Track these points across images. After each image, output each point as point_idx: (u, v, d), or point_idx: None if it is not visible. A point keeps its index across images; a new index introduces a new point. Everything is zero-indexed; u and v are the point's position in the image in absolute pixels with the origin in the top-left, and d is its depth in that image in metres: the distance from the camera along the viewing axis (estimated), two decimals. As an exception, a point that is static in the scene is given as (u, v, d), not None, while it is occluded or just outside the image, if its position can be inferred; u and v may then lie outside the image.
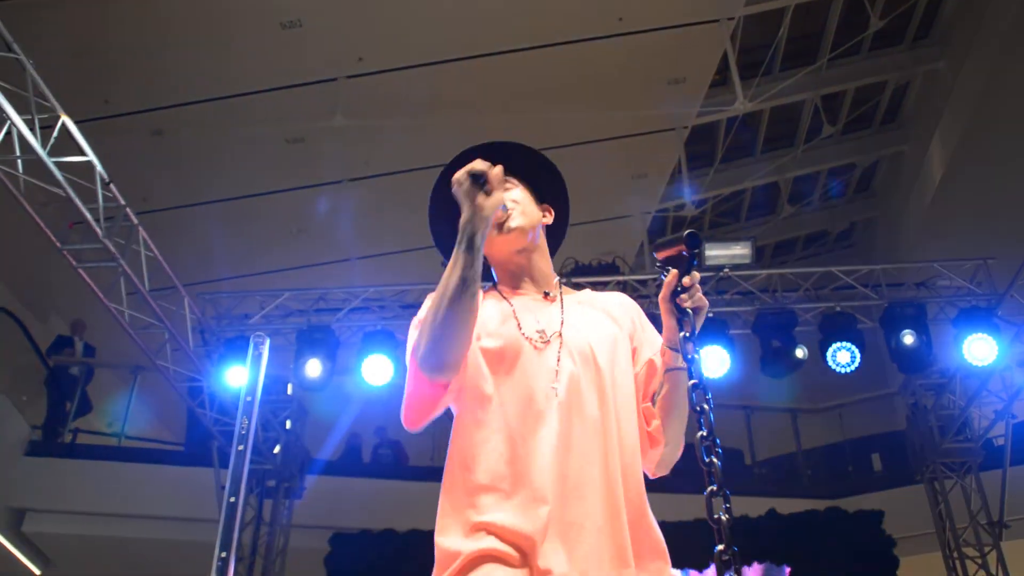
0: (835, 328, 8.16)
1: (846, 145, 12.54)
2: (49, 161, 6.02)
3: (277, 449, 8.88)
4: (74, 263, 6.63)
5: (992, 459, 9.05)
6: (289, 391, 8.89)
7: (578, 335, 1.97)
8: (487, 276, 2.11)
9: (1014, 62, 10.00)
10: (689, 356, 1.82)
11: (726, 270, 8.22)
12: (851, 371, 8.11)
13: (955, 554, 8.71)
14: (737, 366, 8.01)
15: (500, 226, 2.05)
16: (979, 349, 7.83)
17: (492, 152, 2.06)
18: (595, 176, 10.49)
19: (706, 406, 1.74)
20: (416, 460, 10.77)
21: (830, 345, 8.10)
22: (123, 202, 6.79)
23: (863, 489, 10.44)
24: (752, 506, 8.50)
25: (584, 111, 9.40)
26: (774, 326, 8.11)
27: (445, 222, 2.10)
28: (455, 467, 1.88)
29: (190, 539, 8.98)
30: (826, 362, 8.13)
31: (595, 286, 8.37)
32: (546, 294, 2.10)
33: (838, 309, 8.25)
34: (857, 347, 8.08)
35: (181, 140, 8.96)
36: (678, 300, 1.88)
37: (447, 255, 1.94)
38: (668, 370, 1.95)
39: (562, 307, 2.06)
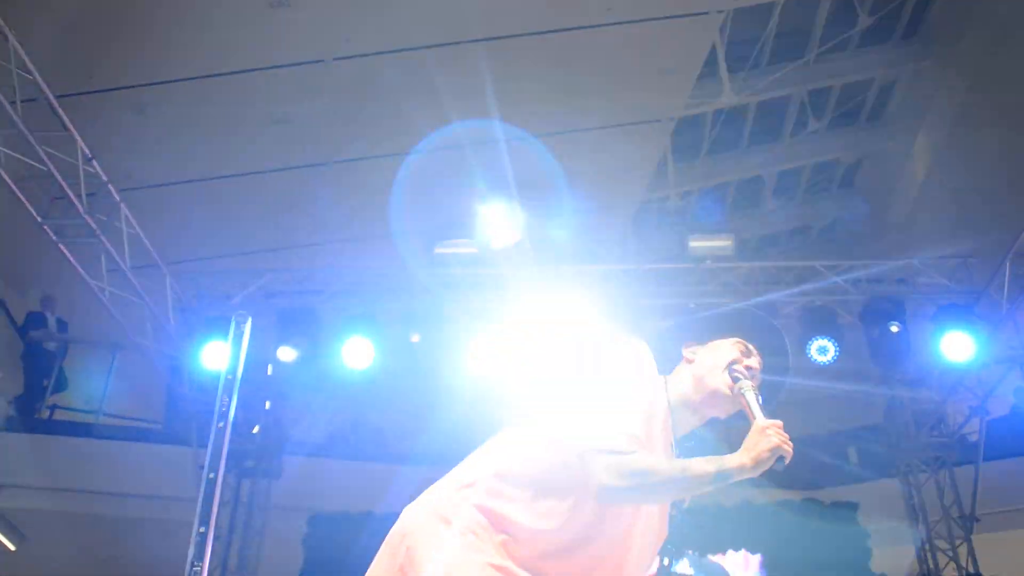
0: (815, 322, 8.22)
1: (831, 140, 12.54)
2: (30, 136, 5.96)
3: (256, 429, 8.86)
4: (55, 238, 6.58)
5: (966, 454, 9.15)
6: (269, 372, 8.85)
7: None
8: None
9: (999, 63, 10.05)
10: None
11: (708, 262, 8.23)
12: (830, 364, 8.16)
13: (927, 546, 8.82)
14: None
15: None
16: (957, 346, 7.89)
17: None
18: (581, 165, 10.47)
19: None
20: (396, 444, 10.74)
21: (810, 339, 8.14)
22: (105, 178, 6.74)
23: (839, 481, 10.50)
24: (727, 496, 8.56)
25: (570, 100, 9.37)
26: (755, 318, 8.14)
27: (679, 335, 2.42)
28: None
29: (168, 517, 8.94)
30: (806, 355, 8.17)
31: (578, 274, 8.38)
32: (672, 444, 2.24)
33: (818, 303, 8.29)
34: (836, 341, 8.14)
35: (165, 117, 8.86)
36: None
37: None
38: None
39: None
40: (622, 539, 2.01)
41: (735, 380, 2.12)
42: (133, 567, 9.63)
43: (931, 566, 8.72)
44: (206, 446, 8.06)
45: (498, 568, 1.82)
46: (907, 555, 8.97)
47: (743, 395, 2.09)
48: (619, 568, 2.00)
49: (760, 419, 2.03)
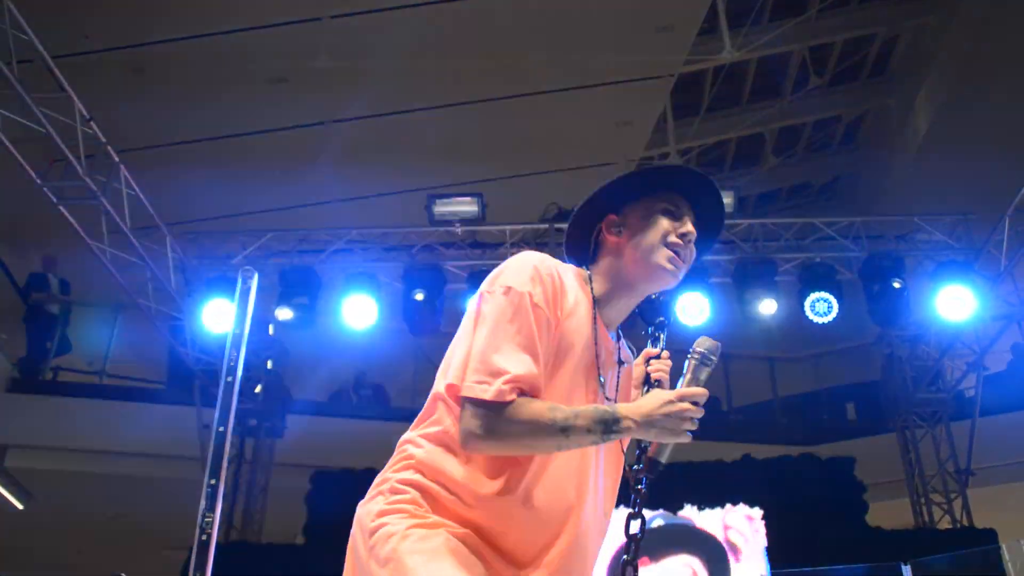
0: (814, 278, 8.23)
1: (832, 97, 12.45)
2: (27, 96, 5.92)
3: (258, 389, 8.91)
4: (55, 200, 6.57)
5: (962, 410, 9.23)
6: (271, 332, 8.89)
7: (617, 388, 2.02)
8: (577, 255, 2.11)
9: (1002, 19, 9.96)
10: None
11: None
12: (829, 321, 8.17)
13: (923, 500, 8.94)
14: (717, 314, 8.05)
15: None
16: (955, 302, 7.91)
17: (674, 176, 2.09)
18: (579, 122, 10.41)
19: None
20: (397, 401, 10.82)
21: (809, 294, 8.15)
22: (104, 139, 6.71)
23: (837, 437, 10.60)
24: (727, 451, 8.63)
25: (570, 56, 9.28)
26: (754, 275, 8.15)
27: (594, 210, 2.08)
28: None
29: (170, 476, 9.06)
30: (804, 311, 8.18)
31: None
32: (617, 336, 2.08)
33: (818, 260, 8.29)
34: (836, 297, 8.14)
35: (162, 78, 8.79)
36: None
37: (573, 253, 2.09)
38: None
39: (619, 359, 2.05)
40: (567, 484, 1.83)
41: (689, 356, 1.90)
42: (138, 524, 9.77)
43: (926, 519, 8.84)
44: (208, 405, 8.19)
45: (455, 535, 1.73)
46: (903, 508, 9.08)
47: (690, 360, 1.88)
48: (571, 511, 1.82)
49: (684, 385, 1.84)
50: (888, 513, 8.83)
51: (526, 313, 1.81)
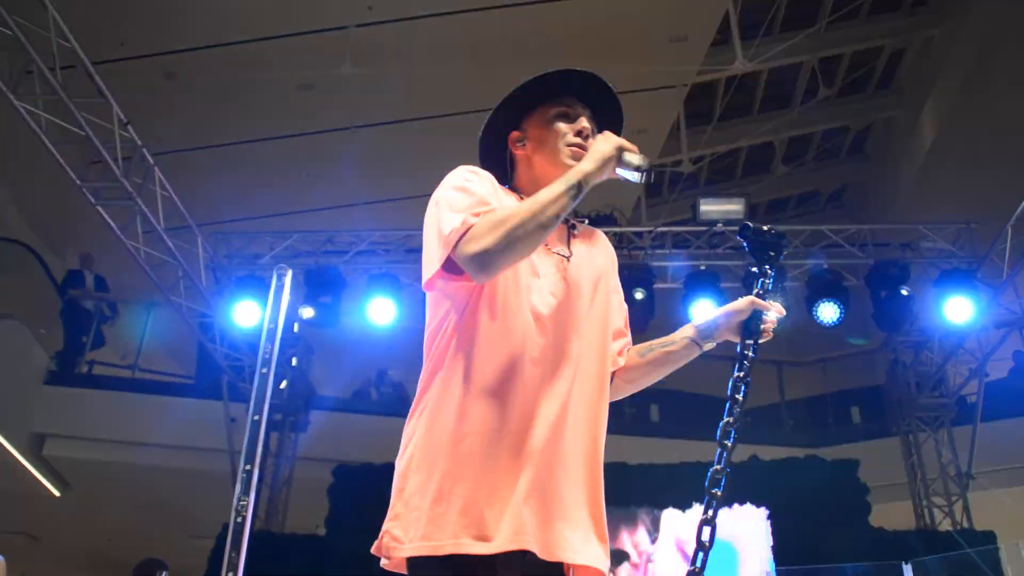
0: (821, 284, 8.29)
1: (841, 108, 12.58)
2: (69, 101, 6.12)
3: (284, 385, 9.09)
4: (92, 200, 6.76)
5: (964, 415, 9.33)
6: (296, 330, 9.07)
7: (580, 262, 2.09)
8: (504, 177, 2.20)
9: (1006, 33, 10.06)
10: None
11: (719, 225, 8.36)
12: (835, 326, 8.27)
13: (924, 502, 9.03)
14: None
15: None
16: (958, 310, 8.00)
17: (572, 78, 2.16)
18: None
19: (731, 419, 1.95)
20: (416, 398, 10.98)
21: (816, 301, 8.25)
22: (140, 142, 6.90)
23: (842, 440, 10.72)
24: (736, 452, 8.66)
25: (586, 65, 9.41)
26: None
27: (497, 128, 2.19)
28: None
29: (198, 467, 9.26)
30: (812, 317, 8.29)
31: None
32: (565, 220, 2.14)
33: (825, 266, 8.40)
34: (842, 303, 8.22)
35: (194, 83, 9.00)
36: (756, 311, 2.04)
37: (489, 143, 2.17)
38: (692, 341, 2.13)
39: (569, 234, 2.15)
40: (543, 357, 1.91)
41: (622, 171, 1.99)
42: (167, 513, 9.97)
43: (927, 521, 8.94)
44: (235, 400, 8.38)
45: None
46: (905, 510, 9.18)
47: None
48: (560, 394, 1.91)
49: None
50: (891, 514, 8.92)
51: (469, 185, 1.97)
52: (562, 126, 2.11)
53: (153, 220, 7.16)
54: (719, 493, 1.85)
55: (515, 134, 2.18)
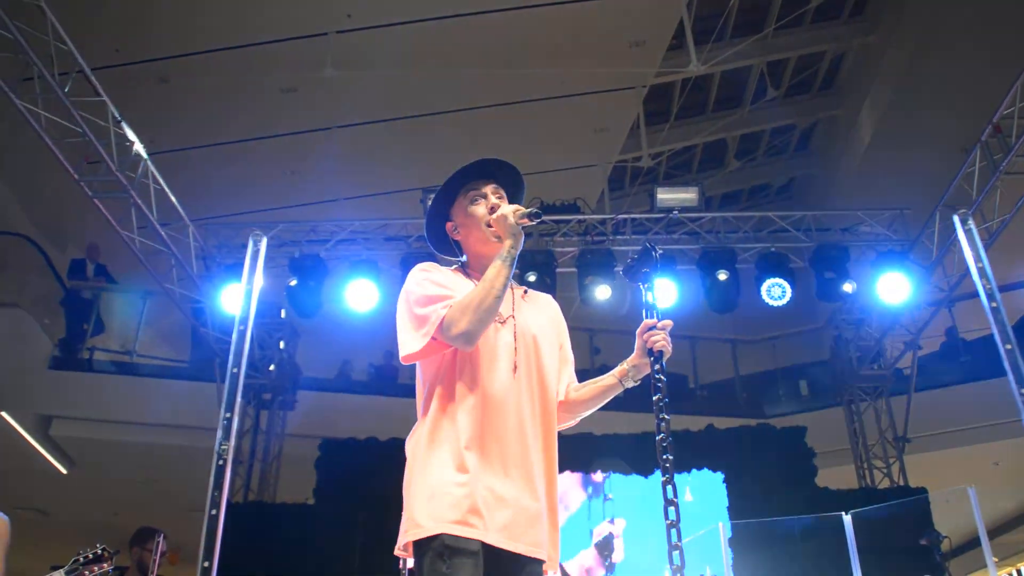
0: (770, 266, 8.33)
1: (788, 108, 12.65)
2: (67, 101, 6.05)
3: (272, 367, 9.05)
4: (90, 194, 6.69)
5: (900, 385, 9.44)
6: (283, 315, 9.02)
7: (526, 321, 2.35)
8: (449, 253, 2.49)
9: (934, 40, 10.21)
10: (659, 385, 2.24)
11: (676, 212, 8.38)
12: (783, 304, 8.30)
13: (865, 465, 9.13)
14: (683, 298, 8.22)
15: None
16: (893, 288, 8.07)
17: (484, 167, 2.43)
18: (562, 128, 10.58)
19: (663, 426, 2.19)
20: (397, 377, 10.96)
21: (765, 280, 8.28)
22: (134, 140, 6.82)
23: (790, 410, 10.83)
24: (694, 423, 8.80)
25: (553, 69, 9.44)
26: (715, 262, 8.29)
27: (439, 220, 2.47)
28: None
29: (194, 445, 9.16)
30: (761, 296, 8.31)
31: (559, 223, 8.53)
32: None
33: (773, 249, 8.44)
34: (789, 283, 8.25)
35: (185, 87, 8.93)
36: (647, 336, 2.28)
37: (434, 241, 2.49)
38: (619, 380, 2.39)
39: (512, 297, 2.38)
40: (497, 387, 2.20)
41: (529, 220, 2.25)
42: (166, 488, 9.89)
43: (868, 481, 9.04)
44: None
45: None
46: (848, 473, 9.28)
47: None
48: (516, 411, 2.20)
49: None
50: (835, 476, 9.01)
51: (428, 279, 2.28)
52: (478, 210, 2.37)
53: (147, 212, 7.09)
54: (670, 458, 2.14)
55: (449, 224, 2.45)
